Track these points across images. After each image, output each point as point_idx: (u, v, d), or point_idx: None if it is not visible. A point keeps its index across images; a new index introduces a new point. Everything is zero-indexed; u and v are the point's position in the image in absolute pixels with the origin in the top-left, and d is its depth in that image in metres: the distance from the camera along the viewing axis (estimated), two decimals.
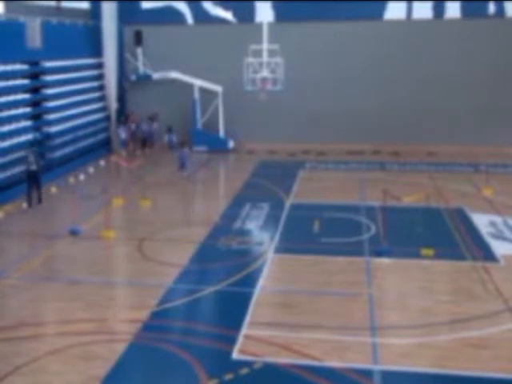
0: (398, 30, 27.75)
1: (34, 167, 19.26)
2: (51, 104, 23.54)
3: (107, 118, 27.82)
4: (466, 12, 27.25)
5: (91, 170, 23.99)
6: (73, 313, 11.47)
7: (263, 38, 25.30)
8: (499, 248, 14.94)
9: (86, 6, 28.32)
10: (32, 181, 19.21)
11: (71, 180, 22.26)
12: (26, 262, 14.22)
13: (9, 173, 20.10)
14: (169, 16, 28.87)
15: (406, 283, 12.90)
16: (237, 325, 10.83)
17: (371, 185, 21.21)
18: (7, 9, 21.89)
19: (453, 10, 27.38)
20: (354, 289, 12.55)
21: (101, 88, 27.67)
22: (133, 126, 27.94)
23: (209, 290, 12.51)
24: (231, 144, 28.37)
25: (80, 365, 9.60)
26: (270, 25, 26.22)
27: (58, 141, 23.78)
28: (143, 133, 28.11)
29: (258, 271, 13.50)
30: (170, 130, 27.89)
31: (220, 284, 12.79)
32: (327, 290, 12.48)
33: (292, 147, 28.03)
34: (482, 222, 16.99)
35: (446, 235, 15.91)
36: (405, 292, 12.39)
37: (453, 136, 27.78)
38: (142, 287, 12.77)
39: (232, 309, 11.70)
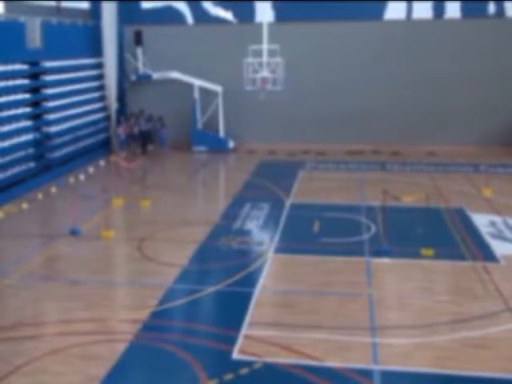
0: (397, 29, 27.74)
1: (144, 128, 26.88)
2: (51, 104, 23.51)
3: (107, 118, 27.80)
4: (466, 12, 27.23)
5: (91, 169, 23.97)
6: (73, 313, 11.47)
7: (263, 38, 25.25)
8: (499, 248, 14.93)
9: (86, 5, 28.26)
10: (145, 138, 26.93)
11: (71, 180, 22.24)
12: (26, 262, 14.22)
13: (9, 173, 20.10)
14: (169, 16, 28.85)
15: (405, 283, 12.90)
16: (237, 325, 10.83)
17: (371, 185, 21.20)
18: (7, 9, 21.86)
19: (453, 10, 27.36)
20: (353, 289, 12.55)
21: (101, 88, 27.63)
22: (134, 128, 27.83)
23: (209, 290, 12.51)
24: (231, 144, 28.36)
25: (80, 365, 9.60)
26: (270, 25, 26.18)
27: (58, 141, 23.76)
28: (143, 133, 28.00)
29: (258, 271, 13.50)
30: (162, 125, 27.67)
31: (220, 284, 12.79)
32: (327, 290, 12.48)
33: (292, 147, 28.01)
34: (482, 221, 16.97)
35: (445, 235, 15.90)
36: (405, 292, 12.39)
37: (453, 136, 27.79)
38: (142, 287, 12.77)
39: (232, 309, 11.69)
